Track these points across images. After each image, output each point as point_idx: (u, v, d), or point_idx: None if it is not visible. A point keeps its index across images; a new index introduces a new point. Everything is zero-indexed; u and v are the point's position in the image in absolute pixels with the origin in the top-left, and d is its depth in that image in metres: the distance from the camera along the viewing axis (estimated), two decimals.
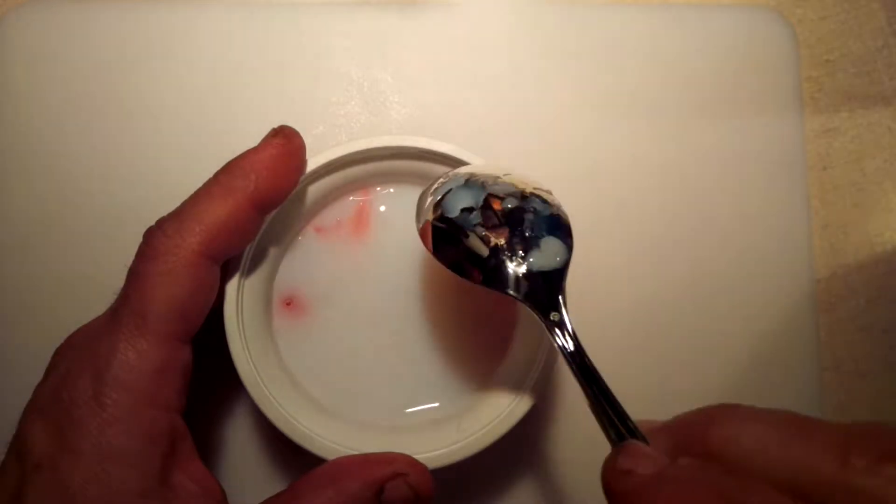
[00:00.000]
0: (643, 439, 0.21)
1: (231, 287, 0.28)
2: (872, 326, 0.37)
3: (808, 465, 0.17)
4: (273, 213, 0.29)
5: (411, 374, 0.31)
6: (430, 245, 0.26)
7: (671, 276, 0.36)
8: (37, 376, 0.25)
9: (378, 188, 0.32)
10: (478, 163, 0.30)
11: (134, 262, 0.25)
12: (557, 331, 0.24)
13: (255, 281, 0.29)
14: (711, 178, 0.37)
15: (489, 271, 0.25)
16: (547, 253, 0.25)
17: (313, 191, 0.31)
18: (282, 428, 0.27)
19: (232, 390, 0.33)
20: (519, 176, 0.28)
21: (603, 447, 0.22)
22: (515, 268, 0.25)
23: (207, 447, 0.33)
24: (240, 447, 0.33)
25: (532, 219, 0.26)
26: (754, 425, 0.18)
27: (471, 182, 0.27)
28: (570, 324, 0.25)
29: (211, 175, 0.27)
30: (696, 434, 0.20)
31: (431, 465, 0.27)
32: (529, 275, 0.25)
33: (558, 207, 0.27)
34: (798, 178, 0.37)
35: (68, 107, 0.36)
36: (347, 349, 0.31)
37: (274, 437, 0.33)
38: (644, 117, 0.37)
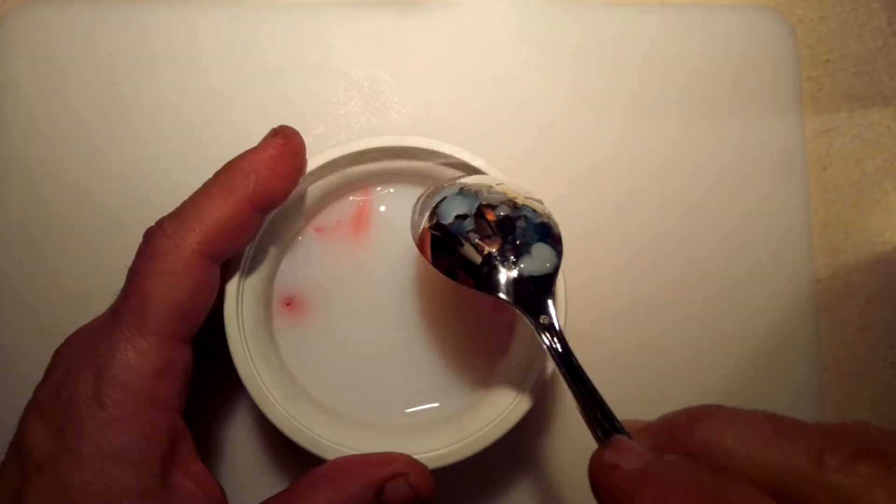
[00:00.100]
0: (629, 437, 0.22)
1: (231, 287, 0.28)
2: (872, 326, 0.37)
3: (785, 464, 0.18)
4: (273, 213, 0.29)
5: (411, 374, 0.31)
6: (427, 253, 0.27)
7: (671, 276, 0.36)
8: (37, 376, 0.25)
9: (378, 188, 0.32)
10: (478, 163, 0.30)
11: (134, 262, 0.25)
12: (547, 333, 0.25)
13: (255, 281, 0.29)
14: (711, 178, 0.37)
15: (482, 277, 0.26)
16: (537, 259, 0.26)
17: (313, 191, 0.31)
18: (282, 428, 0.27)
19: (232, 390, 0.33)
20: (511, 185, 0.29)
21: None
22: (507, 273, 0.26)
23: (207, 447, 0.33)
24: (240, 447, 0.33)
25: (523, 226, 0.27)
26: (734, 426, 0.19)
27: (465, 191, 0.28)
28: (559, 326, 0.25)
29: (211, 175, 0.27)
30: (679, 434, 0.20)
31: (431, 465, 0.27)
32: (520, 279, 0.26)
33: (548, 216, 0.28)
34: (798, 178, 0.37)
35: (68, 107, 0.36)
36: (347, 349, 0.31)
37: (274, 437, 0.33)
38: (644, 117, 0.37)
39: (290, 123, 0.28)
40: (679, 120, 0.37)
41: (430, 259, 0.27)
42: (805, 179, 0.37)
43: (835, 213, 0.38)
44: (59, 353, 0.26)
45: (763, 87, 0.38)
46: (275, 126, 0.28)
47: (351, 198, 0.32)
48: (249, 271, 0.29)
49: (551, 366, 0.28)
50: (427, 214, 0.28)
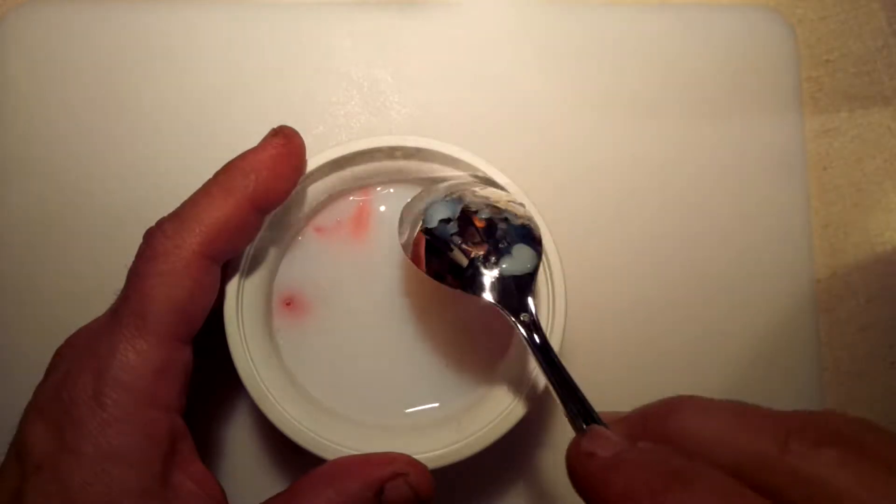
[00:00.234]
0: (606, 427, 0.23)
1: (231, 287, 0.28)
2: (872, 326, 0.37)
3: (752, 449, 0.18)
4: (273, 213, 0.29)
5: (411, 374, 0.31)
6: (418, 259, 0.28)
7: (671, 276, 0.36)
8: (37, 376, 0.25)
9: (378, 188, 0.32)
10: (479, 163, 0.30)
11: (134, 262, 0.25)
12: (527, 330, 0.26)
13: (255, 281, 0.29)
14: (711, 178, 0.37)
15: (467, 278, 0.27)
16: (518, 259, 0.27)
17: (313, 191, 0.31)
18: (282, 428, 0.27)
19: (232, 390, 0.33)
20: (493, 190, 0.30)
21: None
22: (489, 273, 0.27)
23: (207, 447, 0.33)
24: (240, 447, 0.33)
25: (505, 228, 0.28)
26: (705, 414, 0.20)
27: (449, 196, 0.29)
28: (539, 323, 0.26)
29: (211, 175, 0.27)
30: (654, 423, 0.21)
31: (431, 465, 0.27)
32: (502, 279, 0.27)
33: (529, 219, 0.29)
34: (798, 178, 0.37)
35: (68, 107, 0.36)
36: (347, 349, 0.31)
37: (274, 437, 0.33)
38: (644, 117, 0.37)
39: (290, 123, 0.28)
40: (679, 120, 0.37)
41: (422, 266, 0.28)
42: (805, 179, 0.37)
43: (835, 213, 0.38)
44: (59, 354, 0.26)
45: (763, 87, 0.38)
46: (275, 126, 0.28)
47: (351, 198, 0.32)
48: (249, 271, 0.29)
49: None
50: (412, 221, 0.29)
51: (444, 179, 0.31)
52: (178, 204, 0.26)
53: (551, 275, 0.29)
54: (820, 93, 0.39)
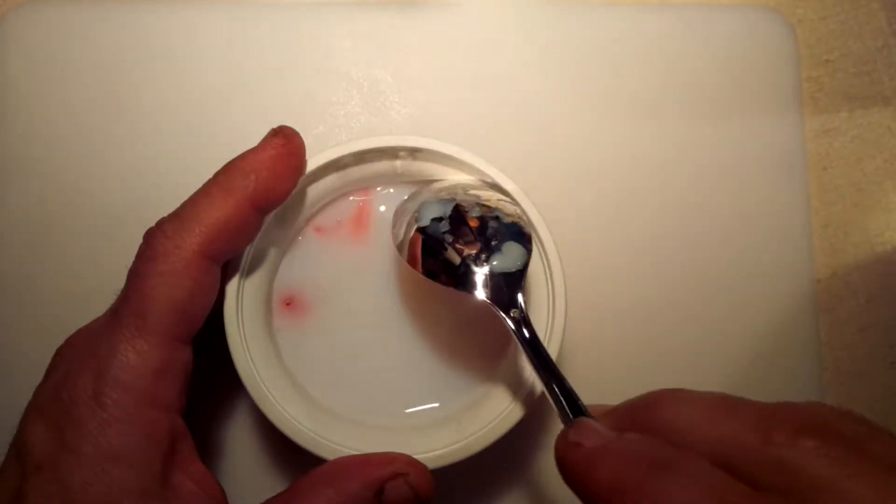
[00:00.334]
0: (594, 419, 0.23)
1: (231, 287, 0.28)
2: (872, 326, 0.37)
3: (734, 439, 0.19)
4: (273, 213, 0.29)
5: (411, 374, 0.31)
6: (407, 256, 0.29)
7: (671, 276, 0.36)
8: (37, 376, 0.25)
9: (378, 188, 0.32)
10: (479, 163, 0.30)
11: (134, 262, 0.25)
12: (517, 325, 0.26)
13: (255, 281, 0.29)
14: (711, 178, 0.37)
15: (459, 276, 0.27)
16: (508, 256, 0.28)
17: (313, 191, 0.31)
18: (282, 428, 0.27)
19: (232, 390, 0.33)
20: (484, 188, 0.30)
21: None
22: (480, 271, 0.27)
23: (207, 447, 0.33)
24: (240, 447, 0.33)
25: (496, 226, 0.28)
26: (690, 406, 0.20)
27: (441, 195, 0.29)
28: (529, 319, 0.27)
29: (211, 175, 0.27)
30: (641, 415, 0.21)
31: (431, 465, 0.27)
32: (492, 276, 0.27)
33: (519, 217, 0.29)
34: (798, 178, 0.37)
35: (68, 107, 0.36)
36: (347, 349, 0.31)
37: (274, 437, 0.33)
38: (644, 117, 0.37)
39: (290, 123, 0.28)
40: (679, 120, 0.37)
41: (418, 266, 0.28)
42: (805, 179, 0.37)
43: (835, 213, 0.38)
44: (59, 354, 0.26)
45: (763, 87, 0.38)
46: (275, 126, 0.28)
47: (351, 198, 0.32)
48: (249, 271, 0.29)
49: None
50: (405, 221, 0.29)
51: (443, 181, 0.31)
52: (178, 204, 0.26)
53: (551, 275, 0.29)
54: (820, 93, 0.39)
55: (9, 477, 0.23)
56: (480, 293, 0.27)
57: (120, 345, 0.24)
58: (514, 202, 0.30)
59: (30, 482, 0.23)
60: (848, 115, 0.39)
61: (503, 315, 0.27)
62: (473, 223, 0.28)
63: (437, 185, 0.31)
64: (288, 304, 0.31)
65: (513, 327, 0.26)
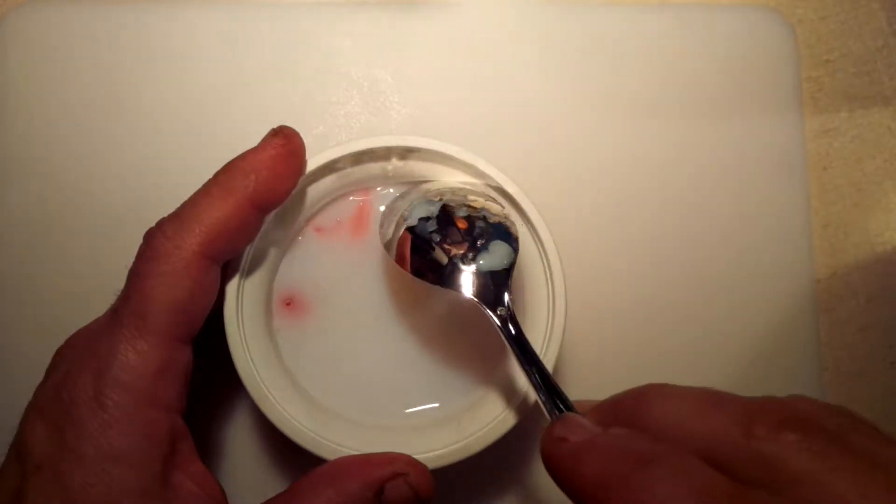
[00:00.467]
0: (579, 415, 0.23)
1: (231, 287, 0.28)
2: (872, 326, 0.37)
3: (717, 433, 0.19)
4: (273, 213, 0.29)
5: (411, 374, 0.31)
6: (395, 256, 0.29)
7: (671, 276, 0.36)
8: (37, 376, 0.25)
9: (378, 188, 0.32)
10: (479, 163, 0.30)
11: (134, 263, 0.25)
12: (503, 323, 0.27)
13: (255, 281, 0.29)
14: (711, 178, 0.37)
15: (446, 275, 0.28)
16: (495, 255, 0.28)
17: (313, 191, 0.31)
18: (282, 428, 0.27)
19: (232, 390, 0.33)
20: (471, 188, 0.30)
21: None
22: (467, 269, 0.28)
23: (207, 447, 0.33)
24: (240, 447, 0.33)
25: (483, 226, 0.28)
26: (674, 400, 0.21)
27: (429, 195, 0.30)
28: (515, 316, 0.27)
29: (211, 175, 0.27)
30: (626, 410, 0.22)
31: (431, 465, 0.27)
32: (479, 275, 0.28)
33: (506, 217, 0.29)
34: (798, 178, 0.37)
35: (68, 107, 0.36)
36: (347, 349, 0.31)
37: (274, 437, 0.33)
38: (644, 117, 0.37)
39: (290, 123, 0.28)
40: (679, 120, 0.37)
41: (406, 266, 0.28)
42: (805, 179, 0.37)
43: (835, 213, 0.38)
44: (59, 354, 0.26)
45: (763, 87, 0.38)
46: (275, 126, 0.28)
47: (351, 198, 0.32)
48: (249, 271, 0.29)
49: (551, 367, 0.28)
50: (395, 220, 0.29)
51: (432, 182, 0.31)
52: (178, 204, 0.26)
53: (551, 275, 0.29)
54: (820, 93, 0.39)
55: (9, 477, 0.23)
56: (468, 291, 0.27)
57: (120, 345, 0.24)
58: (506, 203, 0.30)
59: (30, 482, 0.23)
60: (848, 115, 0.39)
61: (489, 312, 0.27)
62: (461, 223, 0.28)
63: (425, 186, 0.31)
64: (288, 304, 0.31)
65: (499, 324, 0.27)
